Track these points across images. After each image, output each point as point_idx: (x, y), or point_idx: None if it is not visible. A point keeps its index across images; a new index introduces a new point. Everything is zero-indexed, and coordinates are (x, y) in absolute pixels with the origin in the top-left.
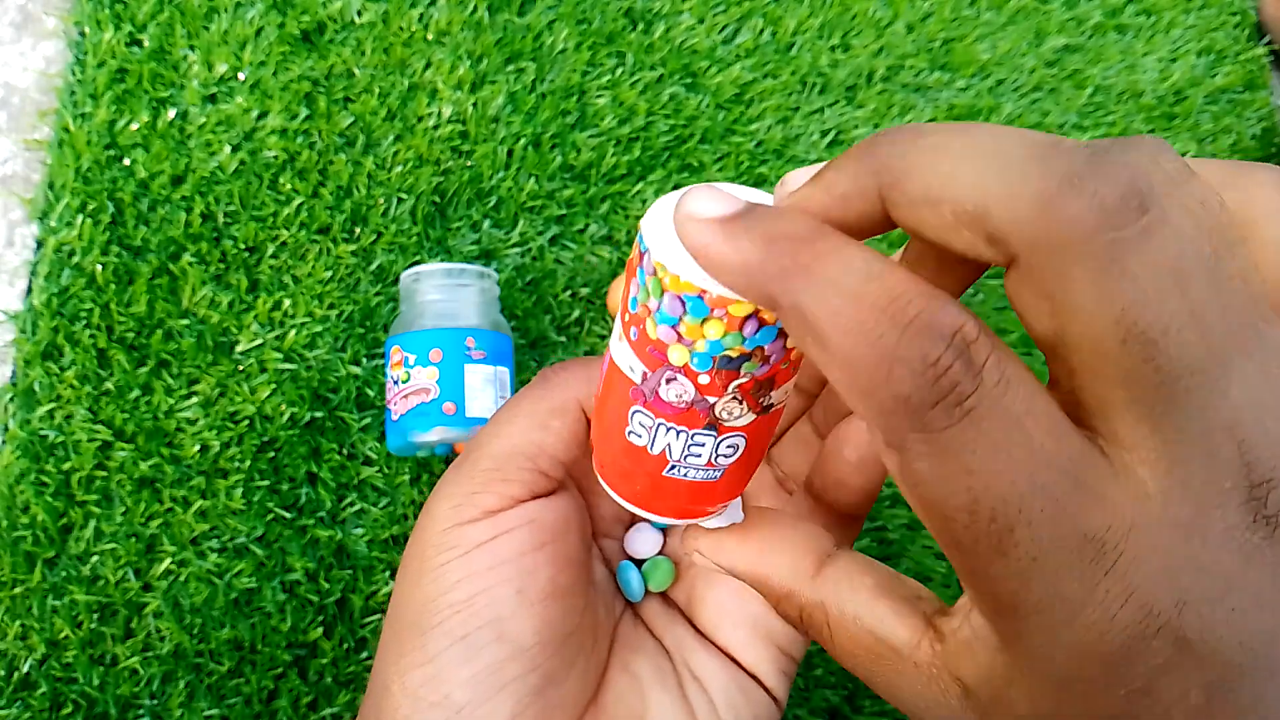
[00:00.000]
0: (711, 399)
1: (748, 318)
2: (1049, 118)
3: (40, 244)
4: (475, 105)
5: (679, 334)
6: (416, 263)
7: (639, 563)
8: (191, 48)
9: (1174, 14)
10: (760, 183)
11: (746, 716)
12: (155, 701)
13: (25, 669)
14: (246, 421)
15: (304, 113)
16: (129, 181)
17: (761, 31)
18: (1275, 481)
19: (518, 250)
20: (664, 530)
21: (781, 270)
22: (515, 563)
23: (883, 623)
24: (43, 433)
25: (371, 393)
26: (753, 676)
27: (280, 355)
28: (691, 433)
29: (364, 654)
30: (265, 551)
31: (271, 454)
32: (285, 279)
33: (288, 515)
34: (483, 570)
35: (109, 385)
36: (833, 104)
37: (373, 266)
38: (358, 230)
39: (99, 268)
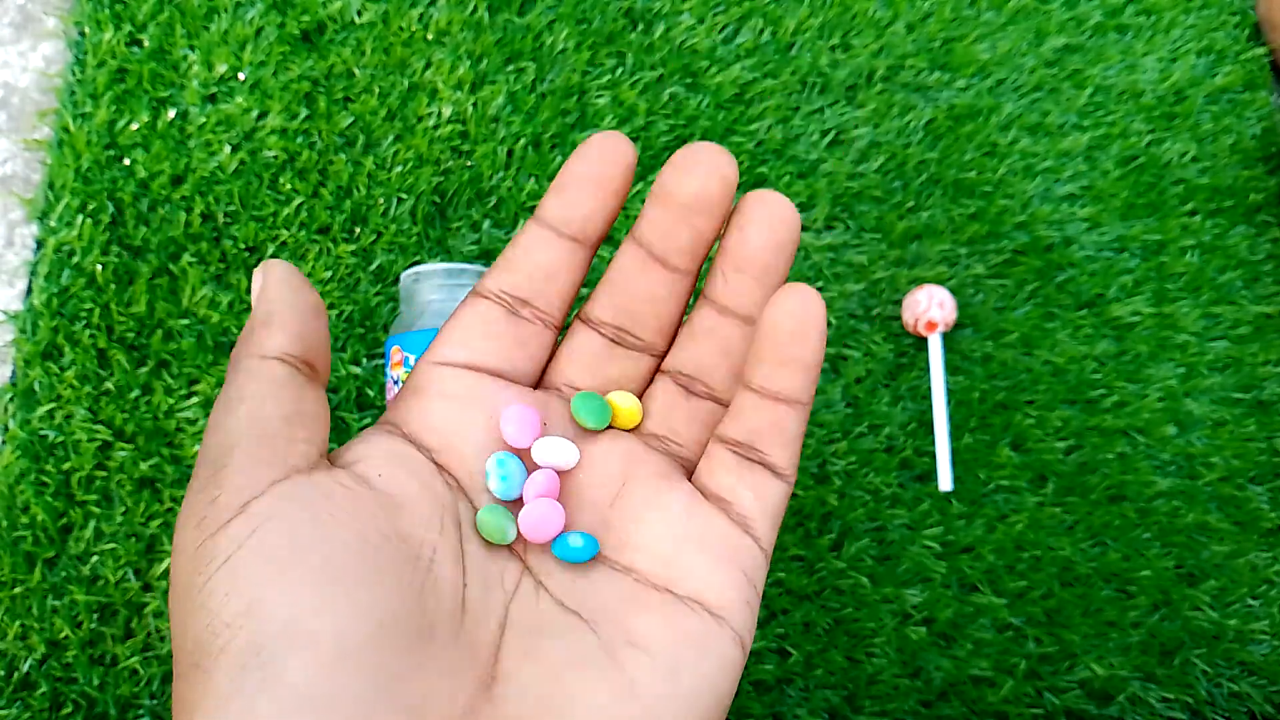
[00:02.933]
0: None
1: None
2: (1049, 118)
3: (40, 244)
4: (475, 105)
5: None
6: (416, 263)
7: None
8: (191, 48)
9: (1174, 14)
10: (760, 182)
11: (701, 671)
12: (155, 701)
13: (25, 669)
14: None
15: (304, 113)
16: (129, 181)
17: (761, 31)
18: None
19: None
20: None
21: None
22: (289, 550)
23: None
24: (43, 433)
25: (371, 393)
26: (718, 616)
27: None
28: None
29: None
30: None
31: None
32: None
33: None
34: (253, 571)
35: (109, 385)
36: (833, 104)
37: (373, 266)
38: (358, 230)
39: (99, 268)
